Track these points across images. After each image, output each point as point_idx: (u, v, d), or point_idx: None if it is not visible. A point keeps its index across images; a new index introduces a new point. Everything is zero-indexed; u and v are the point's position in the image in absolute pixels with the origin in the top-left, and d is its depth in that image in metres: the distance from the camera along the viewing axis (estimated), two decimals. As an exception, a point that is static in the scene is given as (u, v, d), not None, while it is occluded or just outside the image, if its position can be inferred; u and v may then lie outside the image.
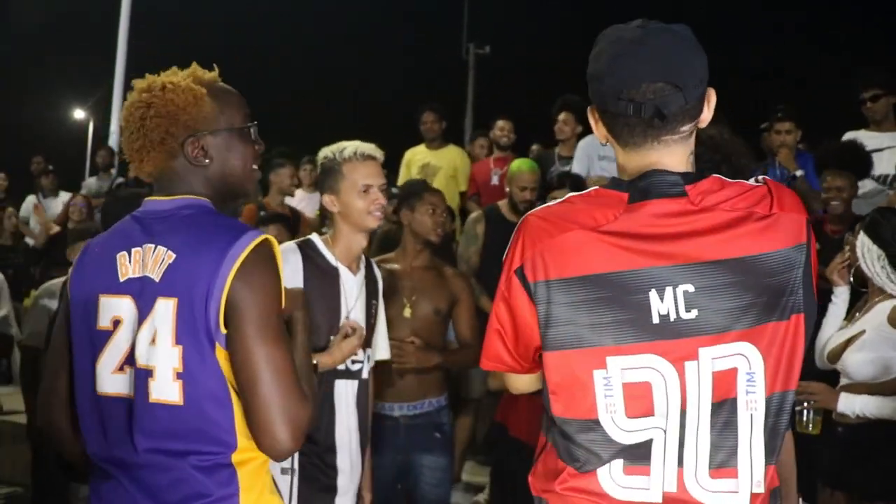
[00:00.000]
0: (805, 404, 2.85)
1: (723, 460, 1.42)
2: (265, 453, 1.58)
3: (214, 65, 1.75)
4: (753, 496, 1.43)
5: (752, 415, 1.42)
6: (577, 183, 4.53)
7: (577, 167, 5.55)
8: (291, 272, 2.45)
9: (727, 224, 1.41)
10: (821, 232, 4.20)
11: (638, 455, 1.43)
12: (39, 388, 1.79)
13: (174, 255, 1.58)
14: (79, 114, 27.57)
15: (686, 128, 1.45)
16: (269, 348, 1.54)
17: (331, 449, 2.52)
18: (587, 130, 5.49)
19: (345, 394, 2.58)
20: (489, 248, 4.68)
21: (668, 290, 1.39)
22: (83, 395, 1.67)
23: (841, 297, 3.07)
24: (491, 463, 3.96)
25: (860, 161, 4.30)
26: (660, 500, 1.43)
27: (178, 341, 1.56)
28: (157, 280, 1.58)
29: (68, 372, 1.70)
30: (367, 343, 2.64)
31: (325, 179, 2.64)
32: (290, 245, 2.60)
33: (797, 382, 1.44)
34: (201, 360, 1.55)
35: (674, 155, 1.45)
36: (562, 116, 5.95)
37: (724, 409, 1.42)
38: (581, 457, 1.45)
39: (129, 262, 1.62)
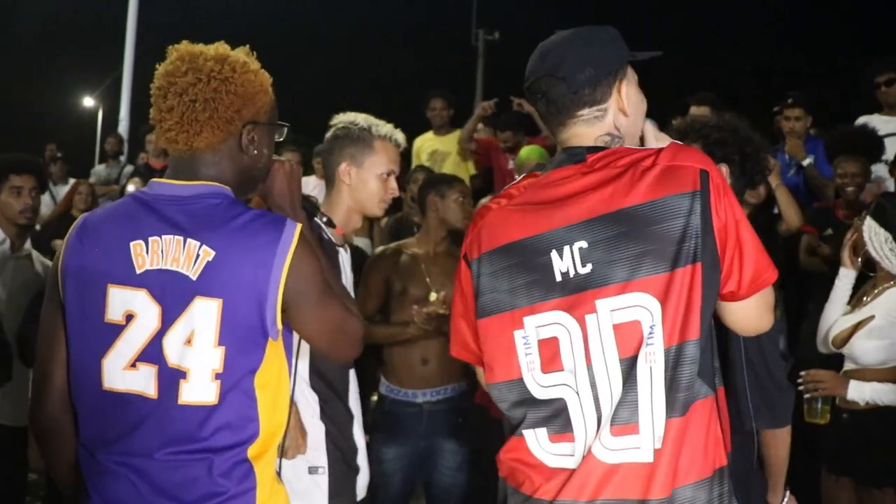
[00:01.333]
0: (813, 393, 2.83)
1: (625, 417, 1.45)
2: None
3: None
4: (657, 452, 1.44)
5: (650, 367, 1.44)
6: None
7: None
8: None
9: (611, 179, 1.50)
10: (833, 217, 4.18)
11: (559, 421, 1.50)
12: (32, 376, 1.67)
13: (213, 253, 1.51)
14: (88, 101, 27.60)
15: (585, 112, 1.58)
16: (328, 311, 1.64)
17: (353, 449, 2.38)
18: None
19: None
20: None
21: (566, 248, 1.51)
22: (85, 390, 1.57)
23: (844, 279, 3.01)
24: (473, 445, 3.91)
25: (872, 146, 4.27)
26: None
27: (221, 342, 1.51)
28: (193, 278, 1.50)
29: (65, 361, 1.59)
30: None
31: (348, 146, 2.42)
32: None
33: (697, 333, 1.45)
34: (244, 358, 1.53)
35: (581, 137, 1.59)
36: None
37: (629, 365, 1.45)
38: (511, 419, 1.58)
39: (147, 252, 1.53)
